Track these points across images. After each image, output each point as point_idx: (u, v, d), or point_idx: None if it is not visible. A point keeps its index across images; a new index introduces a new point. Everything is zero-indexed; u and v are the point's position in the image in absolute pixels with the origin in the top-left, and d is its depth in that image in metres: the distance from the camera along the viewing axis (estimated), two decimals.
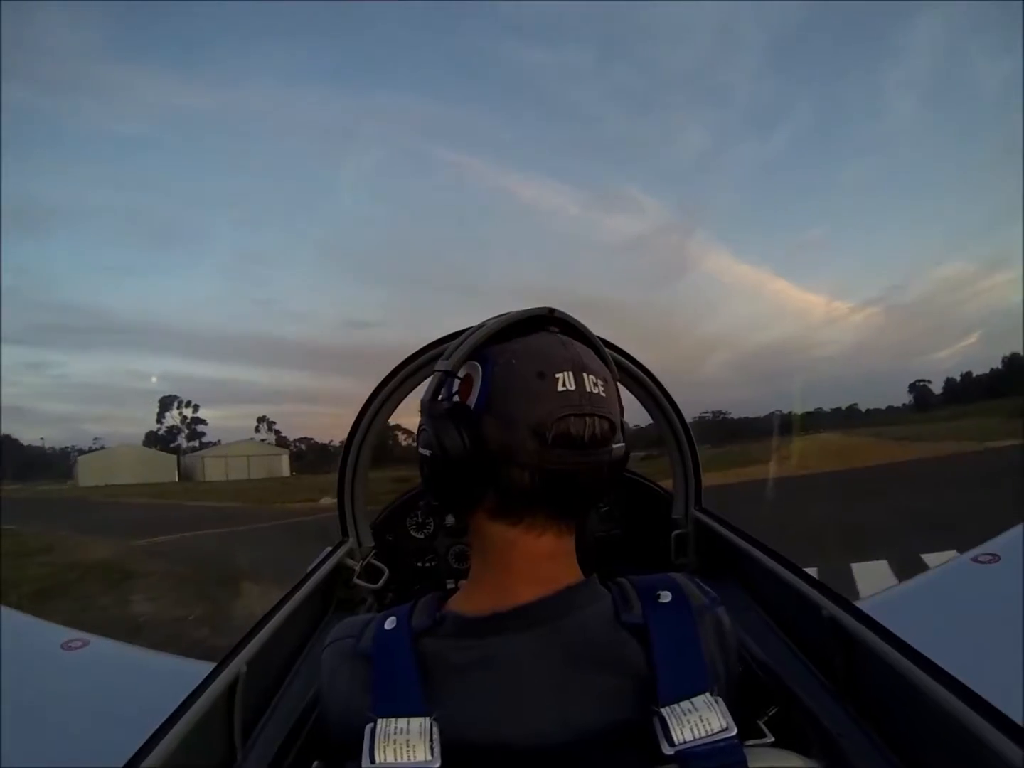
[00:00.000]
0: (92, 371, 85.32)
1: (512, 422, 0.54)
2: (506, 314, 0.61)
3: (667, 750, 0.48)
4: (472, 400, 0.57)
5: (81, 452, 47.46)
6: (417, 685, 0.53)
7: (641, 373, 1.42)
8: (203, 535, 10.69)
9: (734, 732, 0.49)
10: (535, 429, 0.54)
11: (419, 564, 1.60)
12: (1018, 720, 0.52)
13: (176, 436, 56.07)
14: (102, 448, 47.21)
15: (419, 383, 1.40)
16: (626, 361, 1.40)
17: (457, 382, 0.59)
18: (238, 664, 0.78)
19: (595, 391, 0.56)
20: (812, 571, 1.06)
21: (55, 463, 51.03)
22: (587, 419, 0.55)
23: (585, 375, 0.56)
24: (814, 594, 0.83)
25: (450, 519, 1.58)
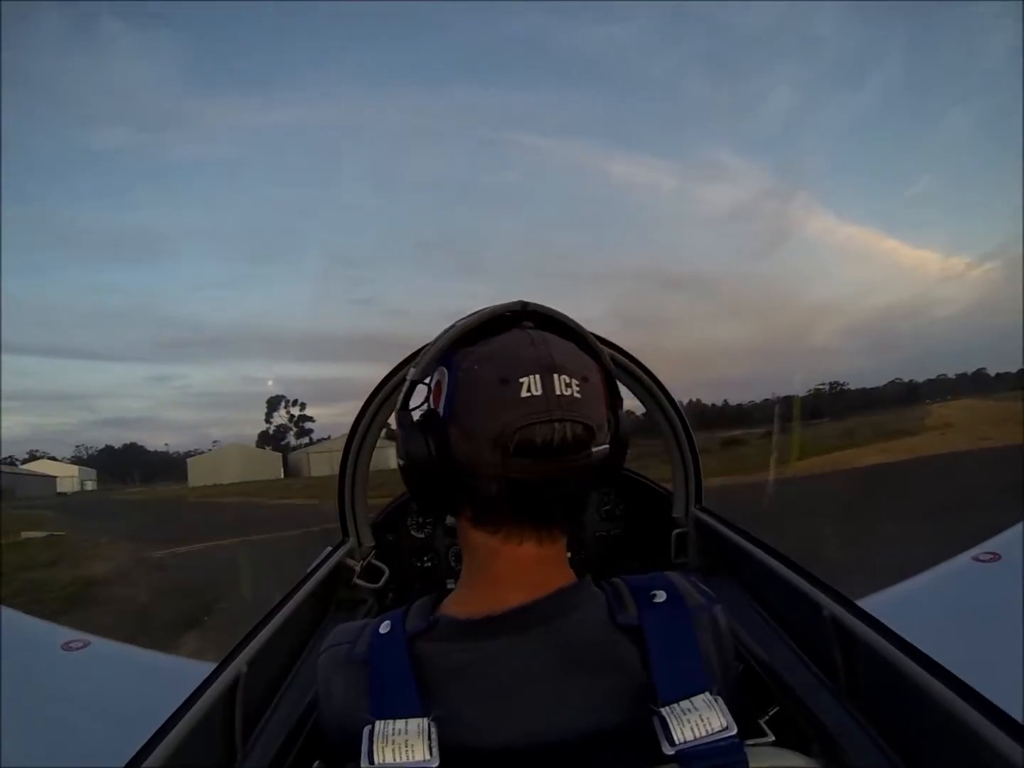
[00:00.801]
0: (212, 380, 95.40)
1: (473, 432, 0.53)
2: (476, 313, 0.59)
3: (667, 750, 0.48)
4: (440, 408, 0.56)
5: (201, 454, 50.23)
6: (414, 687, 0.52)
7: (637, 369, 1.42)
8: (243, 543, 9.68)
9: (735, 731, 0.49)
10: (496, 439, 0.51)
11: (419, 564, 1.60)
12: (1019, 718, 0.52)
13: (285, 434, 58.99)
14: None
15: None
16: (621, 356, 1.39)
17: (426, 389, 0.59)
18: (239, 664, 0.78)
19: (567, 393, 0.52)
20: None
21: (177, 466, 54.07)
22: (556, 425, 0.52)
23: (556, 376, 0.52)
24: (815, 592, 0.83)
25: (450, 519, 1.58)
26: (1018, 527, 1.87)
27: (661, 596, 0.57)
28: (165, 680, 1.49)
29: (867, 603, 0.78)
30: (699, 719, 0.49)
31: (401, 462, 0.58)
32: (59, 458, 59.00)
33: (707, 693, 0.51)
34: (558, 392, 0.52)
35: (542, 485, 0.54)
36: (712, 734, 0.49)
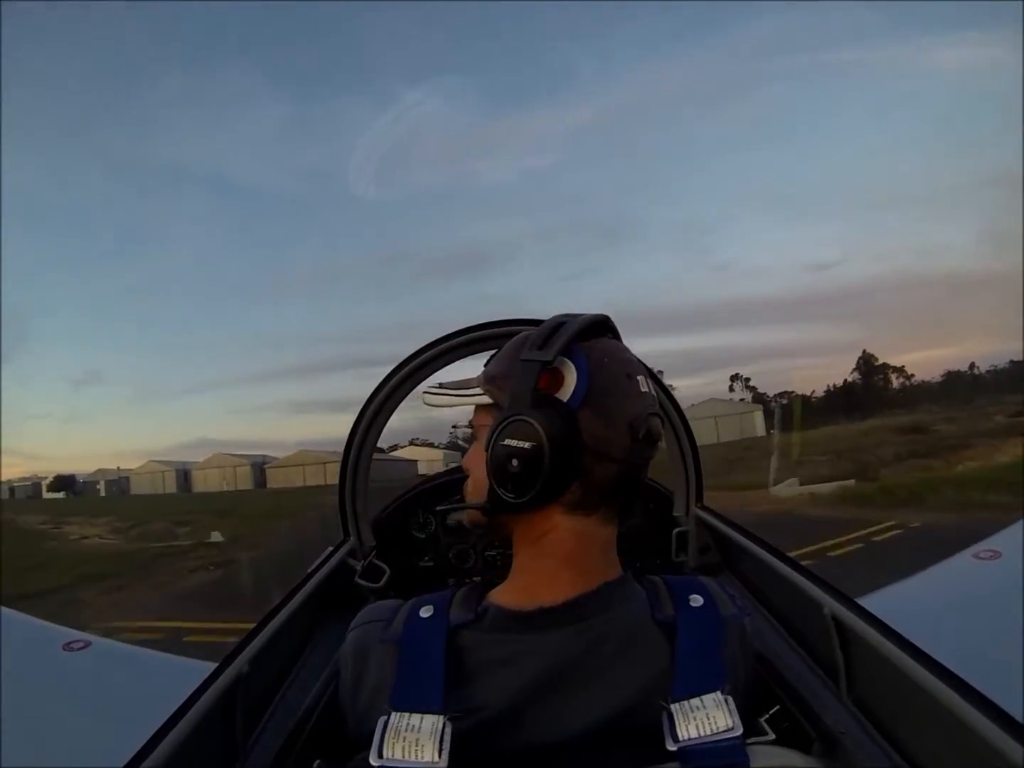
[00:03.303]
0: None
1: (613, 418, 0.58)
2: (578, 315, 0.65)
3: (670, 746, 0.49)
4: (565, 393, 0.58)
5: None
6: (440, 680, 0.52)
7: None
8: None
9: (739, 732, 0.49)
10: (631, 425, 0.59)
11: (421, 563, 1.60)
12: (1018, 718, 0.51)
13: None
14: None
15: (422, 380, 1.39)
16: None
17: (537, 377, 0.60)
18: (239, 664, 0.78)
19: (655, 393, 0.64)
20: None
21: None
22: (658, 418, 0.62)
23: (648, 379, 0.63)
24: (815, 591, 0.83)
25: (452, 519, 1.58)
26: (1018, 524, 1.87)
27: (698, 600, 0.60)
28: (165, 680, 1.49)
29: (868, 601, 0.78)
30: (706, 717, 0.50)
31: (524, 444, 0.56)
32: (436, 444, 63.94)
33: (718, 692, 0.52)
34: (653, 392, 0.63)
35: (643, 470, 0.63)
36: (716, 733, 0.49)
